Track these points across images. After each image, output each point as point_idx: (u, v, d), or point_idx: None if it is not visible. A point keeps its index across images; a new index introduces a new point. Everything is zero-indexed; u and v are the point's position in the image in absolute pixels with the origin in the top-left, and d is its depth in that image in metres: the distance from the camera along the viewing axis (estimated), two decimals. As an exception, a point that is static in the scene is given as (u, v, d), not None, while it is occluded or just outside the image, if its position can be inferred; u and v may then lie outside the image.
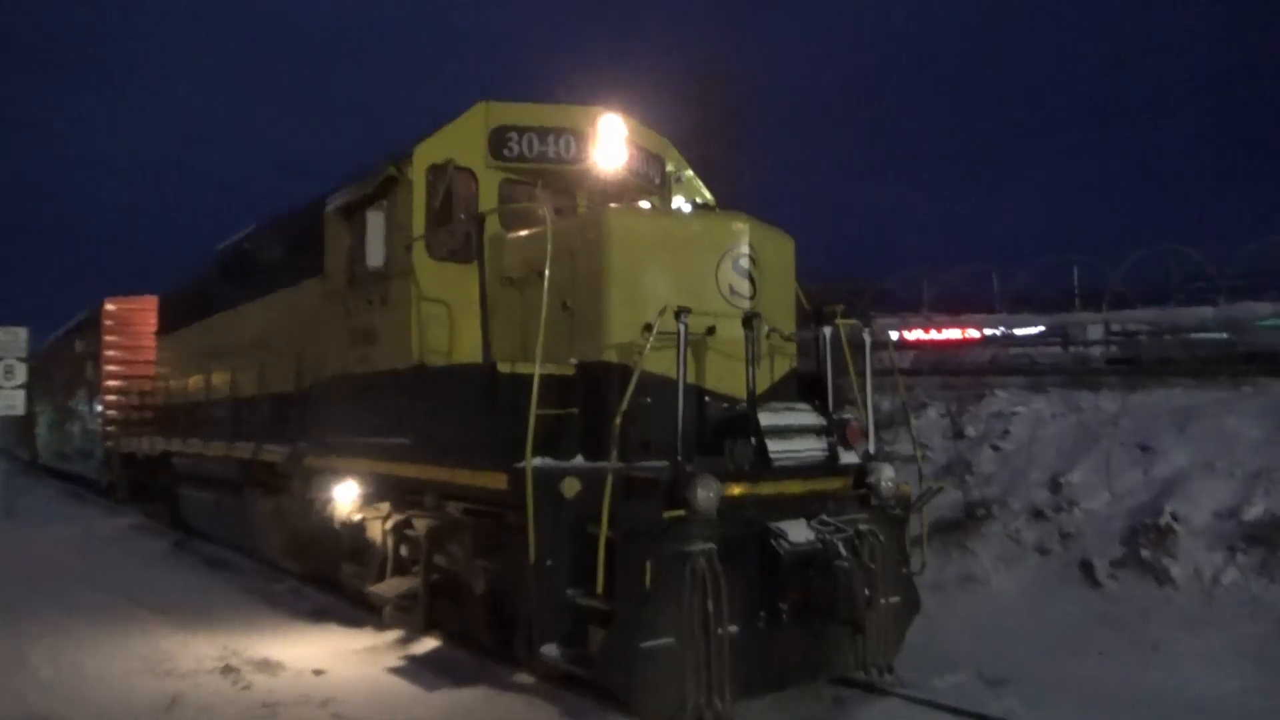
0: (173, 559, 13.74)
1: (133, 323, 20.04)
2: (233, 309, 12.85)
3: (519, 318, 7.26)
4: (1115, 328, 22.80)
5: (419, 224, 7.48)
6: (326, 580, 10.69)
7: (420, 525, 7.78)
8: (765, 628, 6.02)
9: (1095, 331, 23.31)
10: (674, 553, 5.65)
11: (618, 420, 5.69)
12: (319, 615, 9.73)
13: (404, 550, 8.29)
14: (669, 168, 8.86)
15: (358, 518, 8.64)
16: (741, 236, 6.66)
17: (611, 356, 6.44)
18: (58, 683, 7.10)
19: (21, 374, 19.35)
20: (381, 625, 8.93)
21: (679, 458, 5.83)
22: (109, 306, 20.18)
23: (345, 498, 8.72)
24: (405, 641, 8.42)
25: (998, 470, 10.79)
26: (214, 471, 12.53)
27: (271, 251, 11.64)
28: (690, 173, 9.07)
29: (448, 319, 7.51)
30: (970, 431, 11.61)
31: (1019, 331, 23.82)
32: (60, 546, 14.60)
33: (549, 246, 6.07)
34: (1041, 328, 21.33)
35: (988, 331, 21.04)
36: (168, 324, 16.88)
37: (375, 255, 7.69)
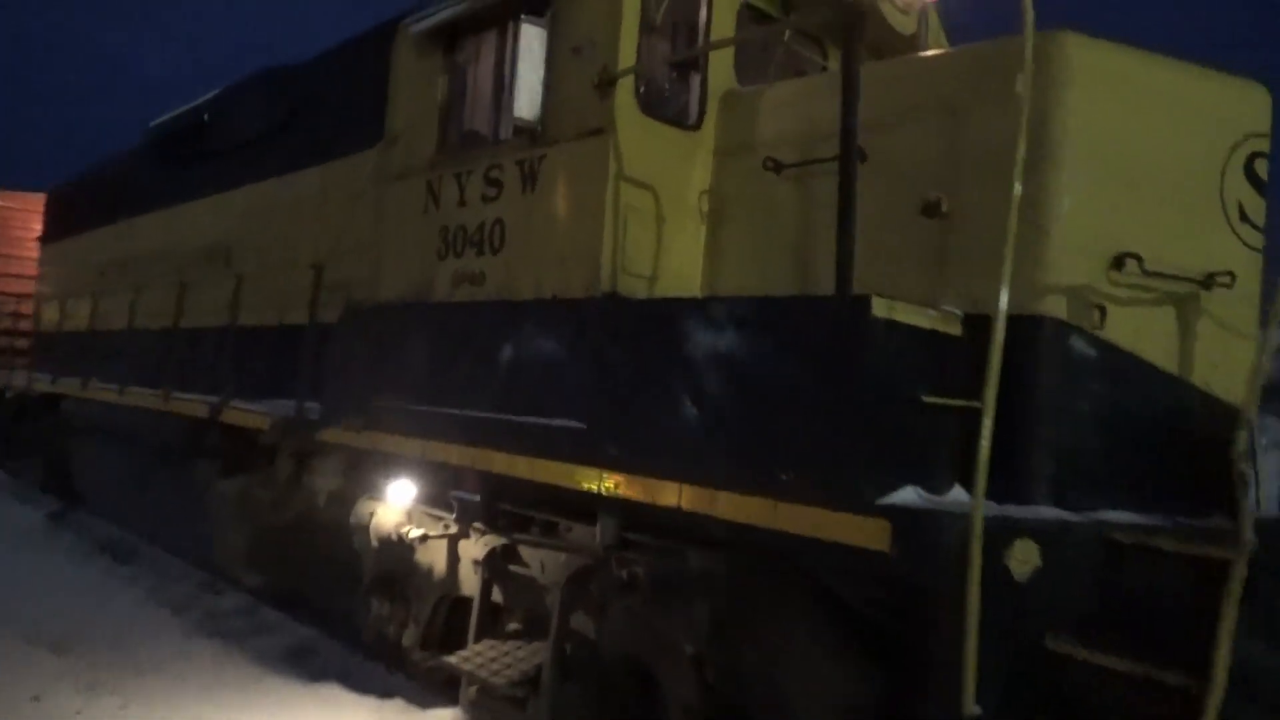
0: (53, 540, 9.96)
1: (8, 225, 15.75)
2: (177, 205, 9.20)
3: (793, 227, 4.20)
4: None
5: (628, 49, 4.28)
6: (289, 597, 7.39)
7: (551, 566, 4.63)
8: None
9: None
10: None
11: (1240, 441, 2.68)
12: (303, 663, 6.42)
13: (498, 596, 5.11)
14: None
15: (412, 533, 5.38)
16: (1262, 119, 3.75)
17: (1056, 309, 3.44)
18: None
19: None
20: (418, 694, 5.76)
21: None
22: (-29, 202, 15.81)
23: (398, 499, 5.44)
24: (477, 736, 5.26)
25: None
26: (134, 428, 8.86)
27: (255, 121, 8.10)
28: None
29: (655, 218, 4.35)
30: None
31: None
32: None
33: (1028, 60, 3.01)
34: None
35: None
36: (62, 227, 12.86)
37: (527, 100, 4.43)
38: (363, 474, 5.92)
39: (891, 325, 3.23)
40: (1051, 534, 3.07)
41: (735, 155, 4.48)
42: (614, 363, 3.97)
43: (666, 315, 3.83)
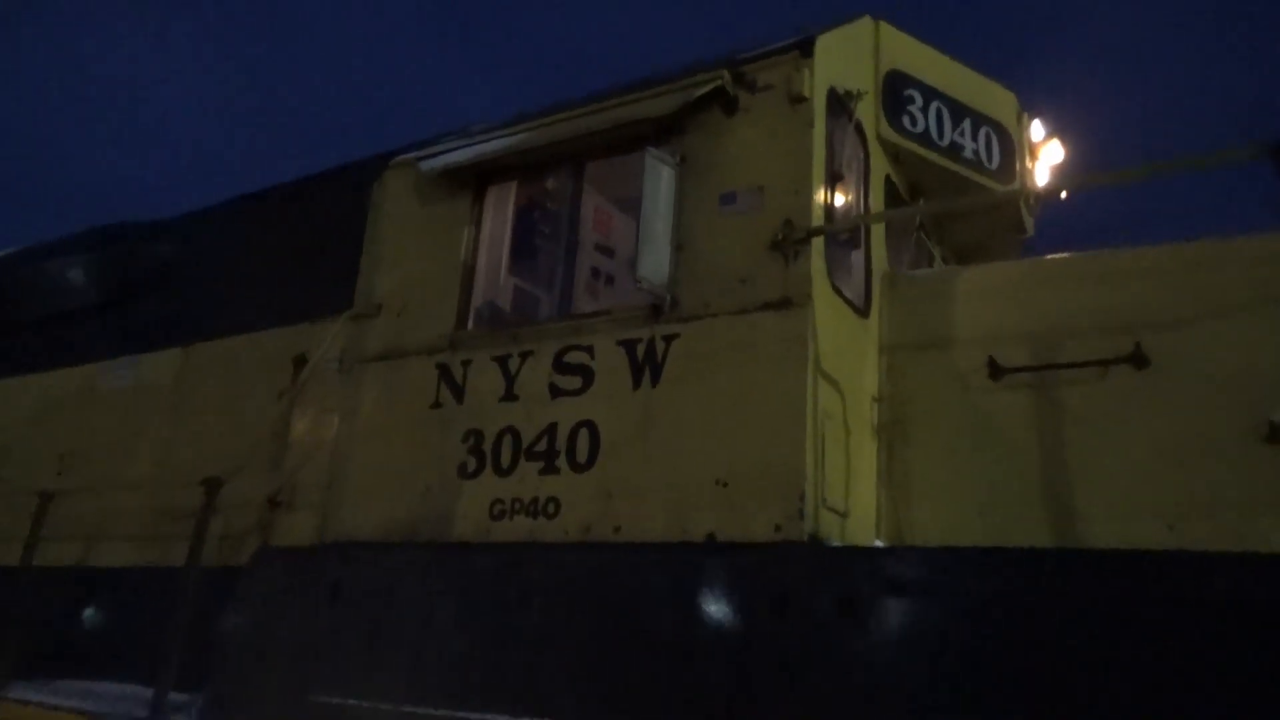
0: None
1: None
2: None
3: (1026, 447, 3.08)
4: None
5: (818, 200, 3.14)
6: None
7: None
8: None
9: None
10: None
11: None
12: None
13: None
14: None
15: None
16: None
17: None
18: None
19: None
20: None
21: None
22: None
23: None
24: None
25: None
26: None
27: (73, 289, 6.10)
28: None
29: (843, 429, 3.08)
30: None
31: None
32: None
33: None
34: None
35: None
36: None
37: (652, 259, 3.13)
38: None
39: None
40: None
41: (918, 352, 3.38)
42: (862, 655, 2.51)
43: (1028, 578, 2.45)
